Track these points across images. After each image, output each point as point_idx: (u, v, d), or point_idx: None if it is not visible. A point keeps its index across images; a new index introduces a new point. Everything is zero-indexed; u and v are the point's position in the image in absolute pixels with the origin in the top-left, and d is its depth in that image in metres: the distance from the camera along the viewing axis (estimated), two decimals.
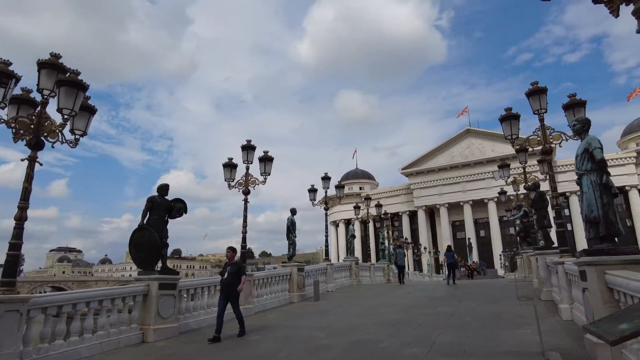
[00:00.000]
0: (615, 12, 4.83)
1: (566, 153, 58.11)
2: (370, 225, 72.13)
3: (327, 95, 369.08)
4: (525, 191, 17.76)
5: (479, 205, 70.58)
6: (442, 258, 69.77)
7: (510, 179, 19.00)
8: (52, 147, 7.24)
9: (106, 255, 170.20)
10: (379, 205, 29.68)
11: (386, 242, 30.89)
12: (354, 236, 24.27)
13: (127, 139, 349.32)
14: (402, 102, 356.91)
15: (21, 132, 6.91)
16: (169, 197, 10.36)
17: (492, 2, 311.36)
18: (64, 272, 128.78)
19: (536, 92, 10.61)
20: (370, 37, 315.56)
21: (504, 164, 18.44)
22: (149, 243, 9.66)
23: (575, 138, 10.10)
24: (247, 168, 14.11)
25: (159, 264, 10.12)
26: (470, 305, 12.26)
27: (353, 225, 24.80)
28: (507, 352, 6.81)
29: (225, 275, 9.31)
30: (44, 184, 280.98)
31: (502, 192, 25.55)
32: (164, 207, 10.15)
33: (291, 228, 16.44)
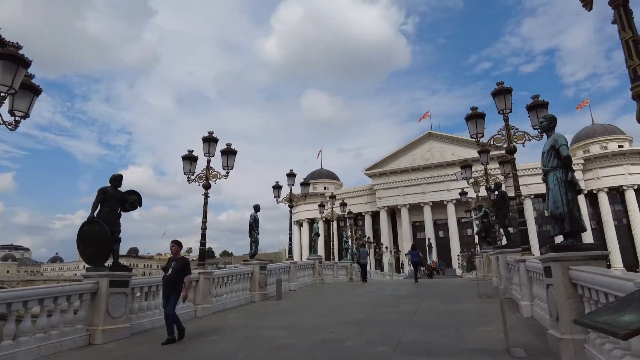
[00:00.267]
0: (588, 6, 4.81)
1: (525, 158, 60.67)
2: (334, 225, 72.61)
3: (294, 95, 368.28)
4: (486, 192, 18.18)
5: (439, 206, 72.56)
6: (402, 257, 71.25)
7: (472, 181, 19.43)
8: None
9: (57, 253, 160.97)
10: (343, 204, 29.63)
11: (350, 241, 30.91)
12: (318, 234, 24.05)
13: (83, 132, 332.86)
14: (367, 104, 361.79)
15: None
16: (123, 189, 9.69)
17: (456, 11, 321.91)
18: (8, 272, 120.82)
19: (501, 92, 10.76)
20: (337, 39, 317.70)
21: (466, 164, 18.78)
22: (99, 237, 8.95)
23: (538, 139, 10.36)
24: (209, 161, 13.53)
25: (111, 260, 9.43)
26: (433, 304, 12.29)
27: (318, 223, 24.52)
28: (473, 349, 6.74)
29: (169, 271, 8.50)
30: None
31: (463, 193, 26.21)
32: (116, 199, 9.46)
33: (254, 225, 15.95)
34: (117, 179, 9.56)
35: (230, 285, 14.05)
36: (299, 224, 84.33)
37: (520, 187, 10.73)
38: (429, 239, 68.40)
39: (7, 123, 6.78)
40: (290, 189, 20.44)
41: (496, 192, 13.86)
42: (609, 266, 6.37)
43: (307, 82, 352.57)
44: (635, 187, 65.09)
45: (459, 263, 64.83)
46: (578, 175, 64.47)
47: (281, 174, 22.04)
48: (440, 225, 73.75)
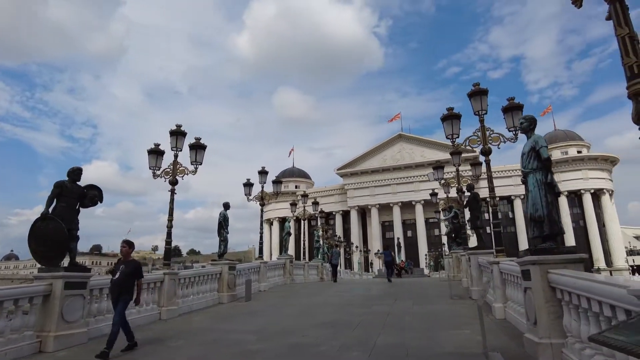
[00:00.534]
0: (578, 3, 4.68)
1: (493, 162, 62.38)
2: (305, 224, 72.47)
3: (266, 92, 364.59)
4: (456, 193, 18.33)
5: (407, 207, 73.58)
6: (372, 257, 71.85)
7: (443, 182, 19.55)
8: None
9: (12, 250, 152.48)
10: (315, 203, 29.36)
11: (321, 240, 30.69)
12: (289, 233, 23.65)
13: (45, 123, 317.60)
14: (340, 104, 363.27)
15: None
16: (84, 183, 9.00)
17: (428, 16, 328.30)
18: None
19: (478, 93, 10.75)
20: (310, 38, 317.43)
21: (438, 165, 18.88)
22: (53, 235, 8.24)
23: (513, 141, 10.38)
24: (176, 156, 12.88)
25: (67, 260, 8.73)
26: (405, 304, 12.18)
27: (289, 222, 24.13)
28: (450, 353, 6.59)
29: (117, 275, 7.60)
30: None
31: (434, 194, 26.47)
32: (75, 194, 8.76)
33: (223, 223, 15.38)
34: (75, 173, 8.86)
35: (198, 286, 13.47)
36: (270, 222, 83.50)
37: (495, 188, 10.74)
38: (398, 238, 69.29)
39: None
40: (262, 187, 19.96)
41: (468, 193, 13.91)
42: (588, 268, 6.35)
43: (279, 80, 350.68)
44: (592, 191, 68.28)
45: (426, 263, 65.93)
46: None
47: (252, 172, 21.52)
48: (409, 225, 74.82)
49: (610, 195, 70.79)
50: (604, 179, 70.19)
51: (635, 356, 1.56)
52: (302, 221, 28.34)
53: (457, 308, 11.01)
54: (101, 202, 9.18)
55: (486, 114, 10.71)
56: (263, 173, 19.88)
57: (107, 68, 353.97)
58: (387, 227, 76.38)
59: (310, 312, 11.56)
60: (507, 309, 8.91)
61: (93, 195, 8.95)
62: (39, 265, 8.63)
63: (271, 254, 79.69)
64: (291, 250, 54.45)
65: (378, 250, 70.29)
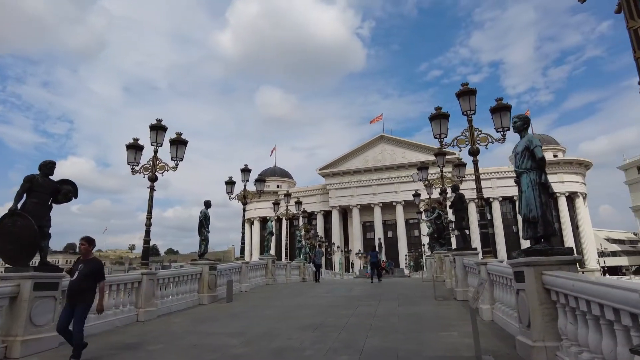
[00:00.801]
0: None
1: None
2: (286, 224, 72.36)
3: (248, 90, 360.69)
4: (439, 194, 18.34)
5: (388, 207, 74.11)
6: (352, 257, 71.97)
7: (426, 183, 19.55)
8: None
9: None
10: (298, 203, 29.07)
11: (303, 240, 30.41)
12: (272, 233, 23.29)
13: (17, 117, 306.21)
14: (322, 104, 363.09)
15: None
16: (57, 179, 8.49)
17: (410, 19, 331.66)
18: None
19: (466, 93, 10.68)
20: (293, 37, 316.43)
21: (423, 166, 18.86)
22: (22, 233, 7.71)
23: (501, 141, 10.34)
24: (156, 151, 12.41)
25: (37, 259, 8.20)
26: (390, 306, 12.01)
27: (272, 222, 23.76)
28: (441, 357, 6.42)
29: (75, 275, 6.68)
30: None
31: (417, 194, 26.54)
32: (47, 190, 8.24)
33: (204, 222, 14.95)
34: (47, 166, 8.34)
35: (177, 287, 13.02)
36: (250, 222, 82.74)
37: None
38: (379, 238, 69.68)
39: None
40: (244, 186, 19.55)
41: (454, 194, 13.88)
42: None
43: (261, 78, 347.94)
44: (567, 194, 70.12)
45: (406, 263, 66.49)
46: None
47: (233, 171, 21.09)
48: (389, 226, 75.36)
49: (584, 198, 72.91)
50: (578, 182, 72.25)
51: None
52: (283, 221, 27.99)
53: (442, 309, 10.91)
54: (76, 197, 8.69)
55: (474, 114, 10.66)
56: (246, 171, 19.47)
57: (85, 62, 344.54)
58: (368, 227, 76.72)
59: (294, 314, 11.26)
60: (495, 311, 8.83)
61: (67, 191, 8.45)
62: (6, 265, 8.08)
63: (251, 254, 78.97)
64: (272, 250, 54.02)
65: (359, 251, 70.51)
